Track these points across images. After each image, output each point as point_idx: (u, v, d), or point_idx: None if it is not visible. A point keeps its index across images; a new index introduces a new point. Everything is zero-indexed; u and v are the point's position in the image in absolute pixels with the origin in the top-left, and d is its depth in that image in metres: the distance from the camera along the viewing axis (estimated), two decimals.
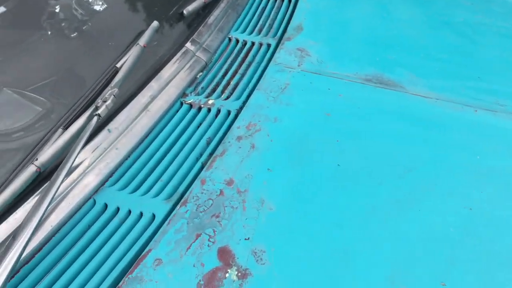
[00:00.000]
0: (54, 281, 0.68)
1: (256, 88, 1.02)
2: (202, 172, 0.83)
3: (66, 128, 0.78)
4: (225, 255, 0.71)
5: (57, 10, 1.10)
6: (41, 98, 0.85)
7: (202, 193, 0.79)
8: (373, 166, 0.86)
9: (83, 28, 1.12)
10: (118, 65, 0.90)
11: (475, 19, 1.34)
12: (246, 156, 0.86)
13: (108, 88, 0.84)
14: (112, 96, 0.82)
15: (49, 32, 1.11)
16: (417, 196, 0.81)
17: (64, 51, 1.07)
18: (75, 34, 1.10)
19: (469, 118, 0.98)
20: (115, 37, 1.09)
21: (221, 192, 0.79)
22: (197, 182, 0.81)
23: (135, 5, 1.19)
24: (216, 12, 1.21)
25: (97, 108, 0.80)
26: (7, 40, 1.12)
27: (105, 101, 0.81)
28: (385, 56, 1.15)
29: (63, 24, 1.10)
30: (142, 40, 0.95)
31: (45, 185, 0.72)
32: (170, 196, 0.80)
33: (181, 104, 1.00)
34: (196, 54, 1.09)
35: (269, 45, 1.18)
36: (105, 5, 1.10)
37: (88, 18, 1.11)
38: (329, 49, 1.16)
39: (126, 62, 0.90)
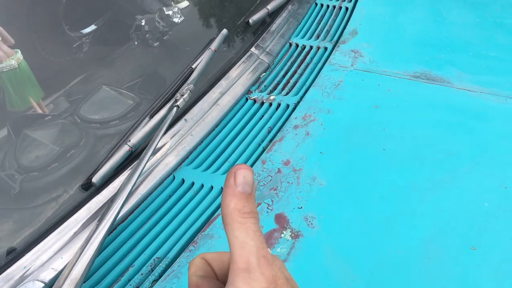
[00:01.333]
0: (143, 237, 0.84)
1: (312, 85, 1.15)
2: (263, 154, 0.97)
3: (151, 116, 0.95)
4: (281, 219, 0.84)
5: (142, 23, 1.30)
6: (132, 94, 1.03)
7: (263, 171, 0.93)
8: (416, 150, 0.96)
9: (164, 38, 1.31)
10: (193, 66, 1.06)
11: None
12: (301, 142, 0.99)
13: (185, 84, 1.00)
14: (189, 91, 0.98)
15: (136, 43, 1.31)
16: (456, 176, 0.90)
17: (149, 58, 1.26)
18: (157, 43, 1.29)
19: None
20: (191, 44, 1.27)
21: (279, 170, 0.93)
22: (258, 162, 0.95)
23: (207, 17, 1.37)
24: (278, 21, 1.36)
25: (176, 101, 0.97)
26: (103, 51, 1.33)
27: (182, 95, 0.97)
28: (434, 56, 1.24)
29: (147, 36, 1.30)
30: (213, 45, 1.11)
31: (135, 162, 0.88)
32: None
33: (246, 99, 1.15)
34: (260, 57, 1.24)
35: (325, 48, 1.30)
36: (183, 18, 1.28)
37: (168, 29, 1.30)
38: (381, 50, 1.26)
39: (199, 63, 1.06)
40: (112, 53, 1.29)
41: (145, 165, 0.86)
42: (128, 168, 0.90)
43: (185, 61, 1.15)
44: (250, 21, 1.28)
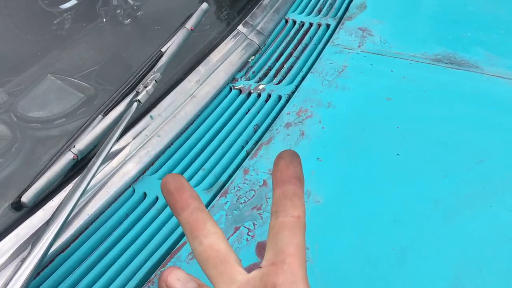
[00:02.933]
0: (89, 270, 0.66)
1: (311, 71, 0.95)
2: (246, 161, 0.77)
3: (105, 114, 0.76)
4: (264, 251, 0.65)
5: None
6: (85, 84, 0.84)
7: (244, 183, 0.74)
8: (439, 155, 0.76)
9: (137, 14, 1.11)
10: (163, 49, 0.86)
11: None
12: (294, 144, 0.79)
13: (151, 73, 0.81)
14: (154, 81, 0.78)
15: (104, 20, 1.10)
16: (489, 190, 0.70)
17: (115, 39, 1.06)
18: (128, 21, 1.09)
19: None
20: (165, 22, 1.06)
21: (264, 182, 0.74)
22: (239, 171, 0.76)
23: None
24: None
25: (137, 94, 0.77)
26: (66, 30, 1.13)
27: (146, 87, 0.78)
28: (458, 34, 1.03)
29: (118, 11, 1.10)
30: (190, 23, 0.91)
31: (81, 174, 0.70)
32: (211, 186, 0.75)
33: (230, 89, 0.95)
34: (249, 37, 1.04)
35: (328, 26, 1.09)
36: None
37: (140, 3, 1.09)
38: (395, 28, 1.05)
39: (171, 46, 0.86)
40: (73, 35, 1.09)
41: (93, 176, 0.67)
42: (73, 182, 0.71)
43: (157, 42, 0.95)
44: None
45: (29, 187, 0.66)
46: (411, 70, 0.93)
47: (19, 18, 1.04)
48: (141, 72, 0.83)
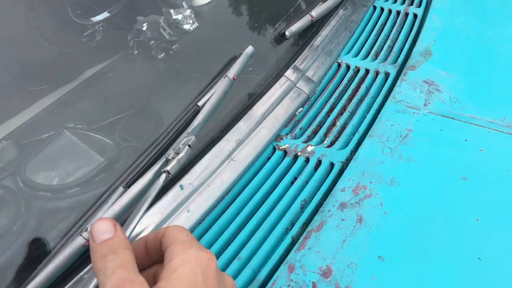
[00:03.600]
0: None
1: (369, 134, 0.81)
2: (292, 253, 0.64)
3: (128, 186, 0.63)
4: None
5: (144, 28, 0.98)
6: (107, 141, 0.72)
7: (288, 286, 0.60)
8: None
9: (173, 48, 0.99)
10: (199, 103, 0.74)
11: None
12: (350, 234, 0.65)
13: (184, 134, 0.68)
14: (187, 146, 0.66)
15: (136, 52, 0.99)
16: None
17: (146, 77, 0.94)
18: (162, 55, 0.97)
19: None
20: (204, 63, 0.94)
21: (314, 286, 0.60)
22: (283, 267, 0.62)
23: (230, 24, 1.04)
24: (324, 32, 1.01)
25: (167, 162, 0.65)
26: (91, 59, 1.03)
27: (177, 153, 0.65)
28: None
29: (152, 43, 0.98)
30: (232, 71, 0.78)
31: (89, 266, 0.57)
32: (248, 284, 0.62)
33: (274, 149, 0.82)
34: (297, 85, 0.90)
35: (387, 74, 0.95)
36: (196, 24, 0.95)
37: (176, 39, 0.97)
38: (467, 83, 0.90)
39: (209, 99, 0.73)
40: (101, 61, 0.98)
41: None
42: (83, 272, 0.59)
43: (194, 86, 0.83)
44: (286, 32, 0.94)
45: (29, 282, 0.54)
46: (489, 140, 0.78)
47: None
48: (173, 132, 0.70)
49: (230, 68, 0.79)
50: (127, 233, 0.58)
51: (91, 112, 0.84)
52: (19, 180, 0.64)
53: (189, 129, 0.69)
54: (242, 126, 0.79)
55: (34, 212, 0.61)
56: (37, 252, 0.58)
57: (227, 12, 1.12)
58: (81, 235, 0.57)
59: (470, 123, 0.81)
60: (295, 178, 0.76)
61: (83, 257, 0.58)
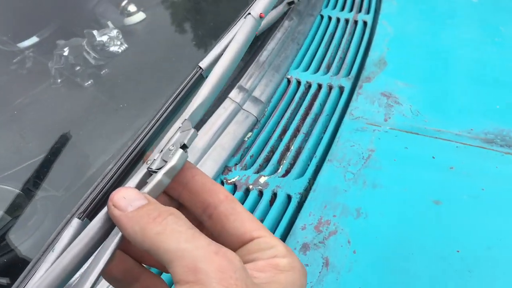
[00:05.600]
0: None
1: (327, 158, 0.72)
2: None
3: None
4: None
5: (65, 53, 0.86)
6: (18, 192, 0.59)
7: None
8: None
9: (102, 73, 0.87)
10: (202, 65, 0.52)
11: None
12: (316, 283, 0.56)
13: (176, 124, 0.53)
14: (179, 150, 0.51)
15: (59, 81, 0.87)
16: None
17: (72, 110, 0.82)
18: (89, 83, 0.85)
19: None
20: (140, 87, 0.83)
21: None
22: None
23: (166, 43, 0.93)
24: (270, 46, 0.92)
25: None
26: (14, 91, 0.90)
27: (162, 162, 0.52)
28: (507, 102, 0.81)
29: (77, 69, 0.86)
30: (258, 7, 0.52)
31: None
32: None
33: (222, 184, 0.71)
34: (244, 107, 0.81)
35: (341, 88, 0.87)
36: (125, 46, 0.84)
37: (104, 63, 0.86)
38: (427, 92, 0.83)
39: (221, 59, 0.50)
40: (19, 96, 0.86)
41: None
42: None
43: (127, 118, 0.72)
44: None
45: None
46: (458, 156, 0.71)
47: None
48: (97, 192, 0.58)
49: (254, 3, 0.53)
50: None
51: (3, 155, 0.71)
52: None
53: (184, 113, 0.41)
54: None
55: None
56: None
57: (162, 30, 1.02)
58: None
59: (436, 137, 0.74)
60: None
61: None
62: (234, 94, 0.81)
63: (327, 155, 0.72)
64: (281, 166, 0.74)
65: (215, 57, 0.51)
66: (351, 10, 1.08)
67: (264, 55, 0.91)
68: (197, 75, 0.51)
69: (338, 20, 1.06)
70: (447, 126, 0.76)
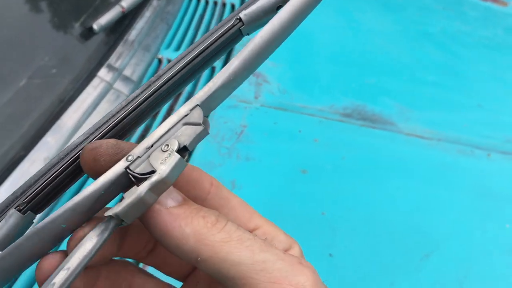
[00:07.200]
0: None
1: None
2: None
3: None
4: None
5: None
6: None
7: None
8: (382, 256, 0.61)
9: None
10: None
11: (453, 27, 1.12)
12: None
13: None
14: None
15: None
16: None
17: None
18: None
19: (483, 166, 0.75)
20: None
21: None
22: None
23: (19, 23, 0.86)
24: (139, 25, 0.91)
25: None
26: None
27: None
28: (362, 80, 0.90)
29: None
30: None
31: None
32: None
33: None
34: (114, 86, 0.78)
35: (213, 68, 0.89)
36: None
37: None
38: (293, 72, 0.89)
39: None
40: None
41: None
42: None
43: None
44: (94, 26, 0.81)
45: None
46: (321, 129, 0.77)
47: None
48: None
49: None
50: None
51: None
52: None
53: (198, 95, 0.26)
54: (50, 140, 0.65)
55: None
56: None
57: (15, 8, 0.94)
58: None
59: (302, 113, 0.79)
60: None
61: None
62: (103, 72, 0.78)
63: None
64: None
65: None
66: None
67: (133, 34, 0.89)
68: (233, 29, 0.29)
69: (207, 2, 1.08)
70: (311, 102, 0.82)
